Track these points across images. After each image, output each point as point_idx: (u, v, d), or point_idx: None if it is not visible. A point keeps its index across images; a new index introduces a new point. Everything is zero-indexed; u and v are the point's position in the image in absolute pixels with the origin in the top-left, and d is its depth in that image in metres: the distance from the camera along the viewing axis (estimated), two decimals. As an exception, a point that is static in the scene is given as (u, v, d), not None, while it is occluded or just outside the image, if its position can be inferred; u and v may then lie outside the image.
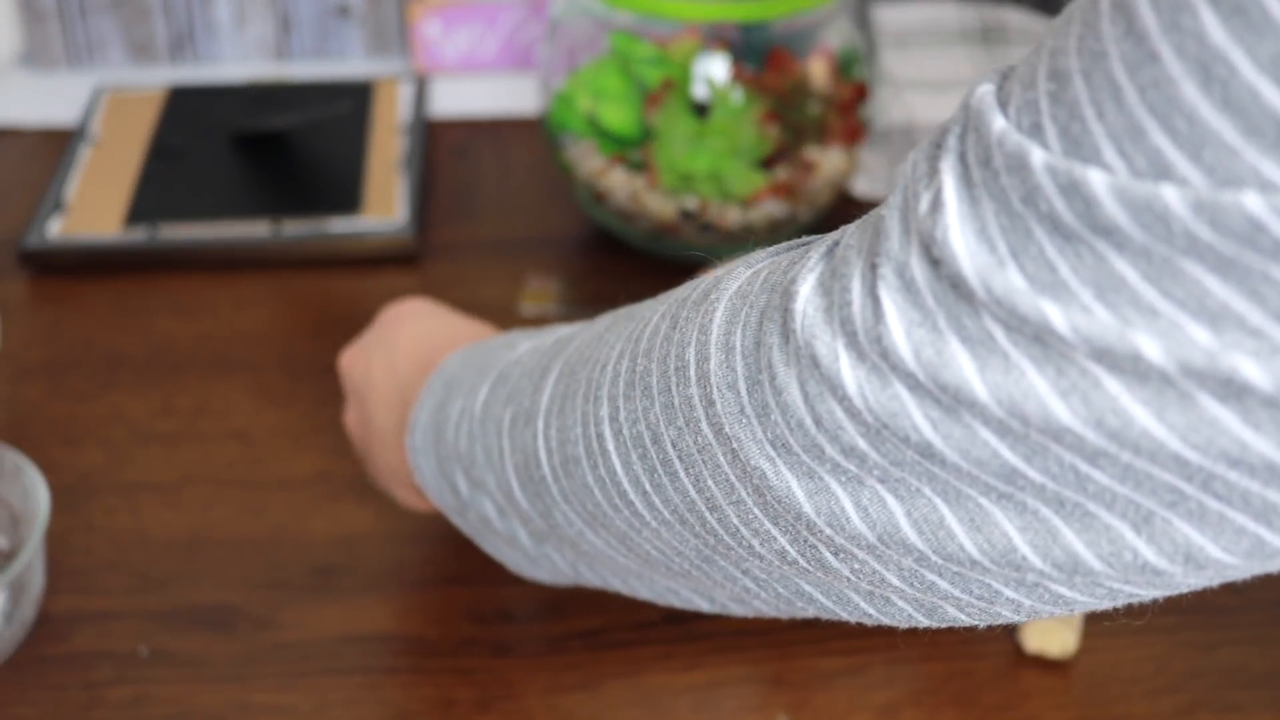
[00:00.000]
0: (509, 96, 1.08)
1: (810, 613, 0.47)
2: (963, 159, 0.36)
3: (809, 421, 0.39)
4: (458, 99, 1.08)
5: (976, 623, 0.43)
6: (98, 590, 0.69)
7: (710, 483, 0.44)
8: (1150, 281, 0.33)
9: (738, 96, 0.82)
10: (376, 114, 1.03)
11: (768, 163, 0.84)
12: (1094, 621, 0.68)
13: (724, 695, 0.64)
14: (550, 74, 0.88)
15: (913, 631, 0.67)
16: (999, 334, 0.35)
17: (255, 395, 0.81)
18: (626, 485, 0.47)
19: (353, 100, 1.04)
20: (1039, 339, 0.34)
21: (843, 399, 0.38)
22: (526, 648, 0.66)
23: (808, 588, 0.45)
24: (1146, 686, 0.65)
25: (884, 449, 0.38)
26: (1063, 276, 0.34)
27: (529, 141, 1.03)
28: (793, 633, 0.67)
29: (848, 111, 0.85)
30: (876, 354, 0.37)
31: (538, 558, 0.57)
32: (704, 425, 0.43)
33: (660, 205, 0.84)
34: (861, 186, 0.95)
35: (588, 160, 0.86)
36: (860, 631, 0.67)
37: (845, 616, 0.46)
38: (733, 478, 0.43)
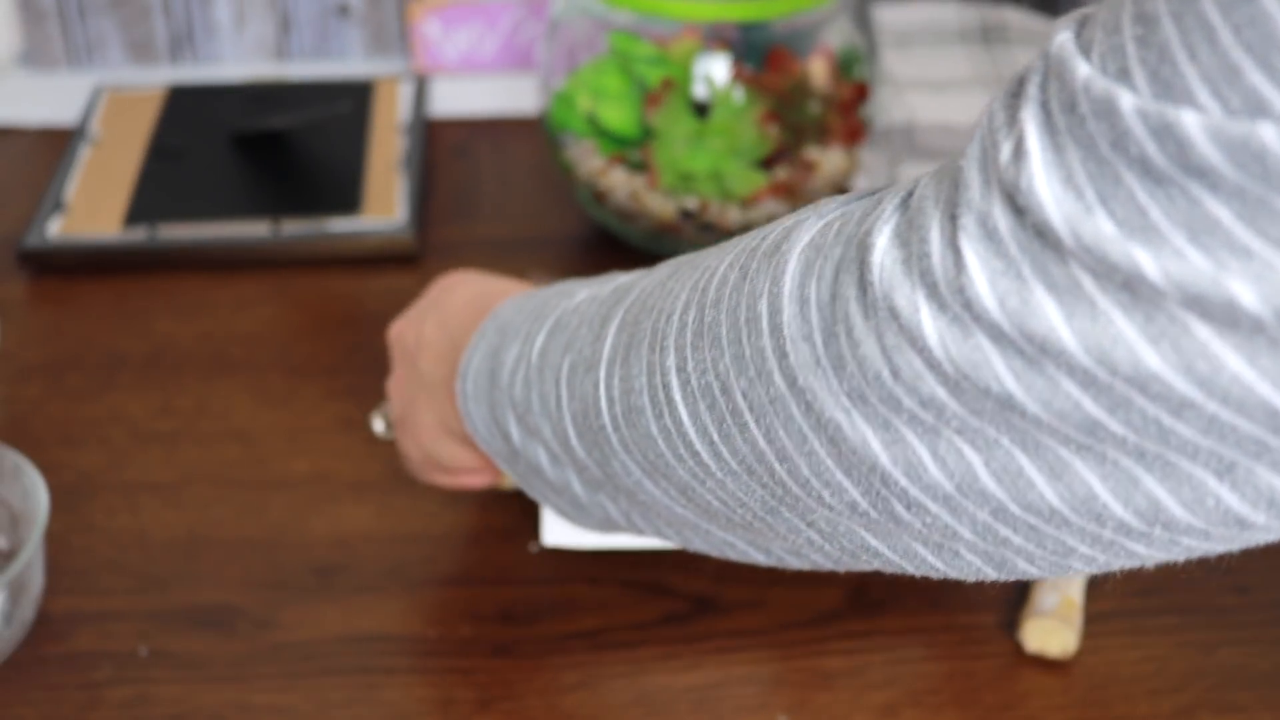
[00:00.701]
0: (509, 96, 1.08)
1: (874, 566, 0.47)
2: (1045, 106, 0.36)
3: (886, 373, 0.39)
4: (458, 99, 1.08)
5: (1046, 575, 0.43)
6: (97, 590, 0.69)
7: (782, 434, 0.43)
8: (1245, 222, 0.32)
9: (738, 96, 0.82)
10: (376, 114, 1.03)
11: (768, 163, 0.84)
12: (1094, 621, 0.67)
13: (724, 695, 0.64)
14: (550, 74, 0.88)
15: (913, 631, 0.67)
16: (1086, 281, 0.35)
17: (255, 395, 0.81)
18: (693, 436, 0.47)
19: (353, 100, 1.04)
20: (1128, 286, 0.34)
21: (923, 350, 0.38)
22: (526, 648, 0.66)
23: (874, 541, 0.45)
24: (1147, 686, 0.64)
25: (963, 399, 0.38)
26: (1154, 220, 0.33)
27: (529, 141, 1.03)
28: (793, 633, 0.67)
29: (848, 111, 0.85)
30: (959, 305, 0.37)
31: (589, 505, 0.57)
32: (777, 377, 0.43)
33: (660, 205, 0.84)
34: (862, 186, 0.95)
35: (588, 160, 0.86)
36: (860, 631, 0.67)
37: (910, 570, 0.45)
38: (806, 429, 0.42)
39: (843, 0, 0.85)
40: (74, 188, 0.95)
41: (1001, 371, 0.37)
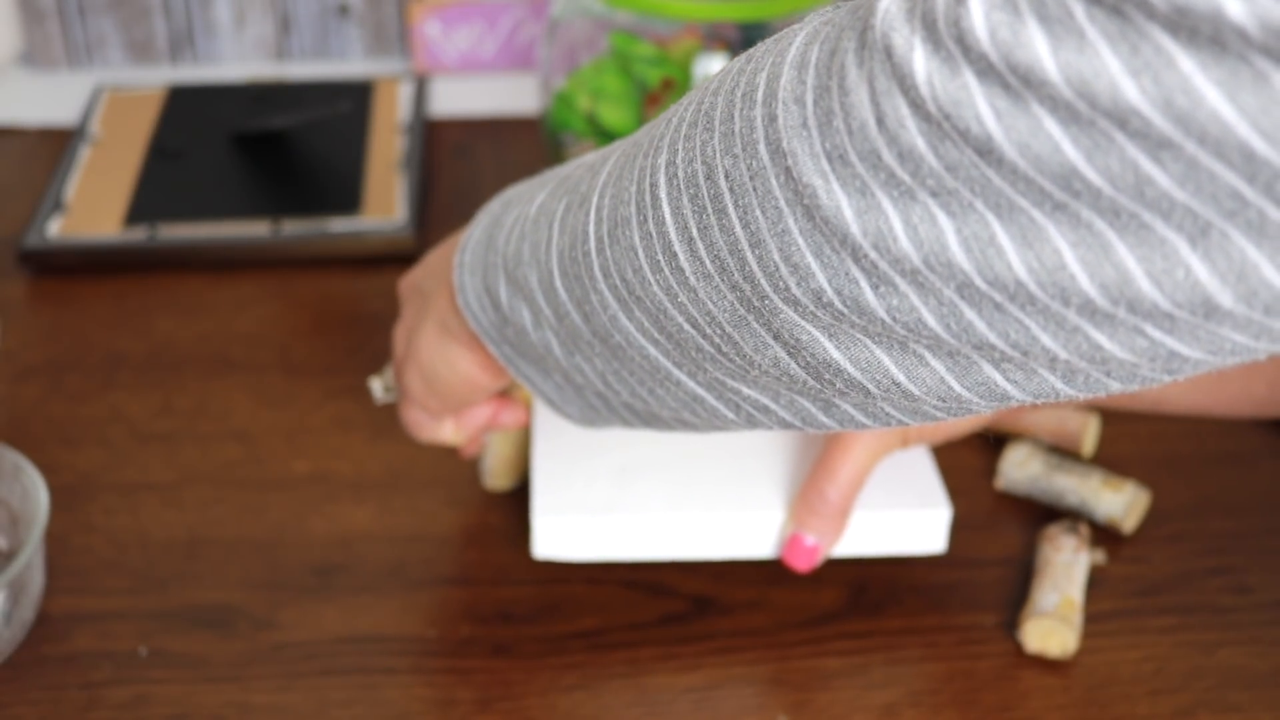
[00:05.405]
0: (509, 96, 1.08)
1: (835, 391, 0.47)
2: None
3: (871, 121, 0.40)
4: (457, 99, 1.08)
5: (1011, 388, 0.43)
6: (97, 590, 0.69)
7: (758, 213, 0.44)
8: None
9: (738, 96, 0.82)
10: (376, 114, 1.03)
11: (768, 162, 0.84)
12: (1094, 621, 0.67)
13: (724, 695, 0.64)
14: (550, 74, 0.88)
15: (913, 631, 0.67)
16: (1078, 11, 0.35)
17: (255, 395, 0.81)
18: (673, 235, 0.48)
19: (353, 100, 1.04)
20: (1118, 11, 0.34)
21: (909, 89, 0.38)
22: (526, 648, 0.66)
23: (835, 353, 0.45)
24: (1146, 687, 0.64)
25: (942, 149, 0.38)
26: None
27: (529, 141, 1.03)
28: (793, 633, 0.67)
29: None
30: (952, 39, 0.37)
31: (569, 371, 0.57)
32: (761, 147, 0.43)
33: (660, 205, 0.84)
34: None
35: (588, 160, 0.86)
36: (860, 631, 0.67)
37: (871, 388, 0.46)
38: (782, 202, 0.43)
39: (842, 0, 0.85)
40: (74, 188, 0.95)
41: (984, 110, 0.37)
